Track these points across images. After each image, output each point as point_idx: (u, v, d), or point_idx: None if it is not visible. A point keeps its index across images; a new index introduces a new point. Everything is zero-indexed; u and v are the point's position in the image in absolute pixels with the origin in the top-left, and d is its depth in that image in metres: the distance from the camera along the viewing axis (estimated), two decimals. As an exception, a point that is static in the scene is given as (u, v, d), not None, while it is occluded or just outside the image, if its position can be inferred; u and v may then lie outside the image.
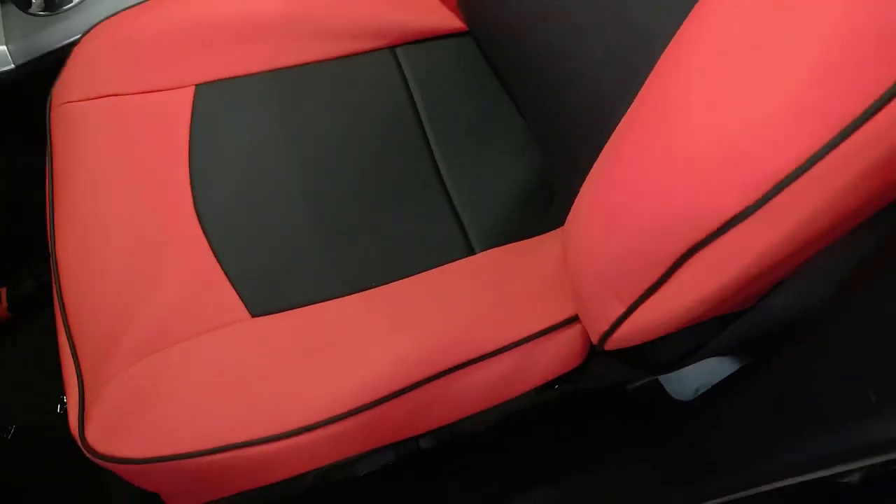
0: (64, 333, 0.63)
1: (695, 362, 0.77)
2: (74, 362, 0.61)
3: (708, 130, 0.36)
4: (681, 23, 0.40)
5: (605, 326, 0.53)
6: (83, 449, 0.56)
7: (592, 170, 0.53)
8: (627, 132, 0.46)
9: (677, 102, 0.39)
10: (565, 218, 0.66)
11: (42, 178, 0.72)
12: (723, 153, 0.35)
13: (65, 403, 0.95)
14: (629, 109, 0.48)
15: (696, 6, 0.40)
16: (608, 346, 0.56)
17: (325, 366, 0.59)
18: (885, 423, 0.36)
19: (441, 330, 0.61)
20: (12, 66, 0.81)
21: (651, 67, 0.44)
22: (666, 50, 0.42)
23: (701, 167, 0.37)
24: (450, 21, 0.79)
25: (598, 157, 0.53)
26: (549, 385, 0.66)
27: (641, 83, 0.45)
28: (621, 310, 0.50)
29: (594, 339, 0.57)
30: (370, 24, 0.77)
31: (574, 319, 0.63)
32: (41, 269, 1.00)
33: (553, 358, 0.63)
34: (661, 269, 0.43)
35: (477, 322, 0.62)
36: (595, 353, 0.65)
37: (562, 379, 0.66)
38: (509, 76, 0.71)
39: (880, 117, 0.29)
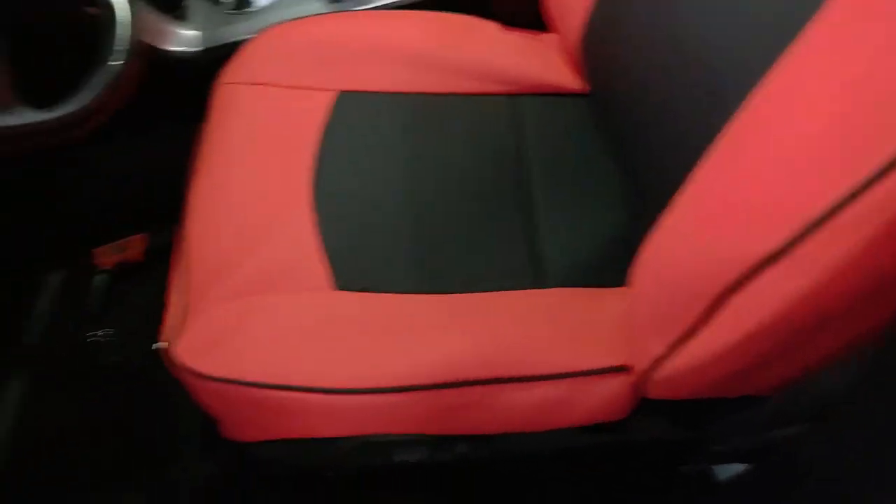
0: (183, 260, 0.73)
1: (740, 459, 0.76)
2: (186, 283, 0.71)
3: (747, 177, 0.41)
4: (755, 82, 0.45)
5: (646, 365, 0.56)
6: (169, 359, 0.65)
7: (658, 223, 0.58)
8: (689, 185, 0.51)
9: (729, 153, 0.44)
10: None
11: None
12: (758, 197, 0.39)
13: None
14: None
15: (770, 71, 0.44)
16: (648, 390, 0.58)
17: (389, 343, 0.66)
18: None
19: (501, 341, 0.65)
20: (201, 48, 0.96)
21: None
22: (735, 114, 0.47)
23: (739, 210, 0.41)
24: (572, 81, 0.87)
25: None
26: (593, 429, 0.68)
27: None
28: (662, 350, 0.53)
29: (638, 380, 0.60)
30: (499, 69, 0.86)
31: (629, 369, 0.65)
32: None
33: (601, 399, 0.65)
34: (699, 310, 0.46)
35: (536, 344, 0.66)
36: (643, 409, 0.67)
37: (607, 427, 0.68)
38: (614, 139, 0.77)
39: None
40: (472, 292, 0.72)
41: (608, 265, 0.76)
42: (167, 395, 1.02)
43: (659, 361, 0.54)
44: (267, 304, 0.68)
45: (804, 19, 0.43)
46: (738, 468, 0.67)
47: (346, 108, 0.84)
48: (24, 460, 0.97)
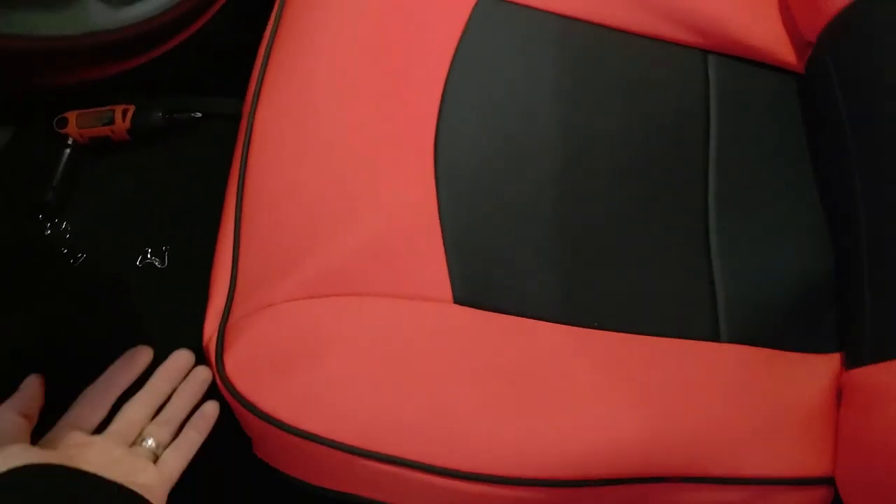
0: (232, 222, 0.49)
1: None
2: (233, 264, 0.48)
3: None
4: None
5: None
6: (216, 371, 0.44)
7: None
8: None
9: None
10: (845, 342, 0.53)
11: (250, 23, 0.58)
12: None
13: (147, 256, 0.81)
14: None
15: None
16: None
17: (530, 407, 0.46)
18: None
19: (679, 424, 0.47)
20: None
21: None
22: None
23: None
24: (785, 54, 0.63)
25: None
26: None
27: None
28: None
29: None
30: (696, 12, 0.62)
31: (827, 481, 0.49)
32: (179, 107, 0.86)
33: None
34: None
35: (721, 433, 0.48)
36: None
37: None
38: (856, 149, 0.55)
39: None
40: (627, 331, 0.52)
41: (798, 320, 0.57)
42: (140, 324, 0.79)
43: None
44: (357, 310, 0.47)
45: None
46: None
47: (486, 22, 0.58)
48: None
